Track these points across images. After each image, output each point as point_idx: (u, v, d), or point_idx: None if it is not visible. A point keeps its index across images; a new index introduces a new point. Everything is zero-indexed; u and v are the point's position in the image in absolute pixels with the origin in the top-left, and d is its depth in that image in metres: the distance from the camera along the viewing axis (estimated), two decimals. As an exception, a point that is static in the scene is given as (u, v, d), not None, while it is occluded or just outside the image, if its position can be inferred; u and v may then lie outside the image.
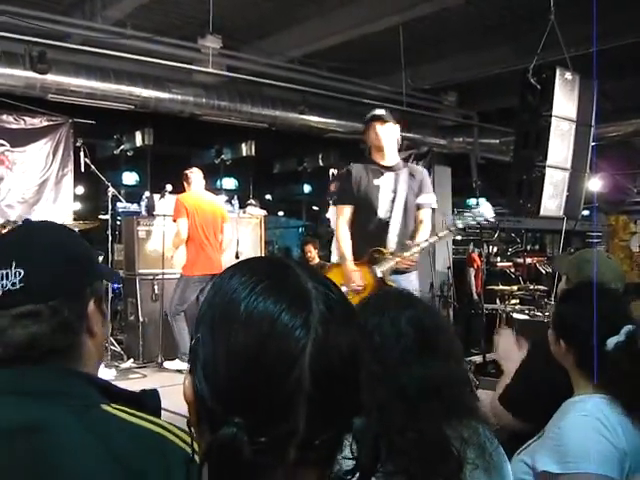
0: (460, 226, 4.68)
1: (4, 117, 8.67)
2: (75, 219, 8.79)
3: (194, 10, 7.62)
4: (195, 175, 7.10)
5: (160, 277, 7.42)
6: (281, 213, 19.57)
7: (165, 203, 7.54)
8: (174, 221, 6.89)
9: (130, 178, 13.18)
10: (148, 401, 1.21)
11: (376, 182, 4.69)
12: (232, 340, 0.79)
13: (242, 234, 7.94)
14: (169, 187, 7.45)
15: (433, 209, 4.89)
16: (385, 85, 9.37)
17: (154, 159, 11.99)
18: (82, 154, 7.03)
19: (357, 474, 0.81)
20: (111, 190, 7.17)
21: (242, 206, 8.45)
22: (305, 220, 18.36)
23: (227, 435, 0.75)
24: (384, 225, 4.63)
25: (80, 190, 10.91)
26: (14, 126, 8.76)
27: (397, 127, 4.79)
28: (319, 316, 0.80)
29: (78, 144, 8.21)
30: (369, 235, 4.65)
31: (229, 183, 13.48)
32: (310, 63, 8.80)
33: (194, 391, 0.82)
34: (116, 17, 7.52)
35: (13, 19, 6.81)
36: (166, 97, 8.10)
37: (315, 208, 17.36)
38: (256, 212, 8.40)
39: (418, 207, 4.73)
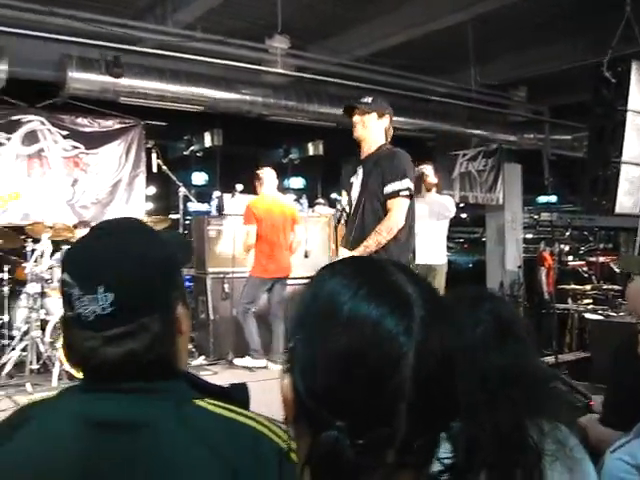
0: None
1: (79, 120, 8.92)
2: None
3: (262, 12, 7.69)
4: (267, 175, 7.16)
5: (230, 276, 7.53)
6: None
7: (235, 203, 7.63)
8: (244, 225, 6.98)
9: (199, 178, 13.38)
10: (238, 395, 1.22)
11: (352, 179, 4.60)
12: (334, 343, 0.80)
13: (311, 233, 7.97)
14: (239, 187, 7.53)
15: (407, 195, 4.33)
16: (453, 82, 9.28)
17: (223, 159, 12.16)
18: (154, 155, 7.17)
19: (451, 473, 0.81)
20: (182, 190, 7.29)
21: (310, 205, 8.48)
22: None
23: (329, 438, 0.76)
24: (352, 223, 4.48)
25: (151, 190, 11.12)
26: (88, 129, 9.00)
27: (381, 117, 4.48)
28: (420, 321, 0.80)
29: (149, 145, 8.38)
30: (346, 237, 4.55)
31: (297, 182, 13.56)
32: (376, 61, 8.78)
33: (293, 390, 0.84)
34: (186, 21, 7.66)
35: (89, 26, 7.00)
36: (235, 98, 8.22)
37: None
38: (325, 211, 8.41)
39: (385, 197, 4.35)
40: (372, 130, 4.46)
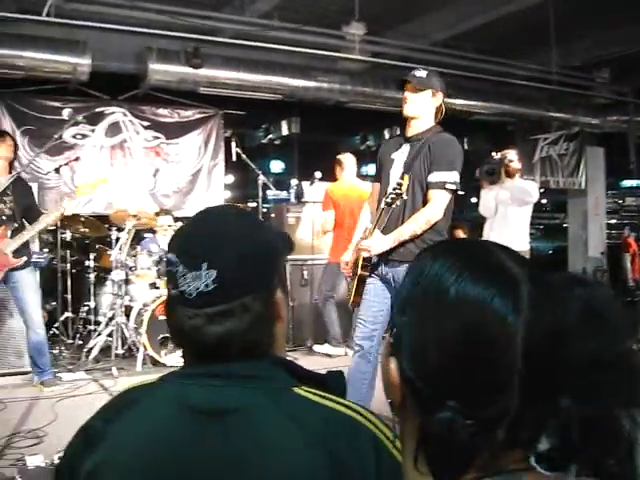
0: None
1: (159, 111, 9.11)
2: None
3: (336, -1, 7.68)
4: (348, 160, 7.17)
5: (309, 263, 7.60)
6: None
7: (314, 190, 7.67)
8: (323, 211, 7.01)
9: (277, 166, 13.48)
10: (334, 383, 1.23)
11: (393, 155, 4.21)
12: (443, 325, 0.81)
13: (388, 220, 7.95)
14: (318, 174, 7.57)
15: (453, 190, 4.02)
16: (533, 64, 9.06)
17: (301, 147, 12.20)
18: (233, 144, 7.24)
19: (557, 455, 0.80)
20: (261, 178, 7.35)
21: (388, 192, 8.45)
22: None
23: (444, 419, 0.77)
24: (388, 204, 4.09)
25: (229, 179, 11.26)
26: (168, 119, 9.18)
27: (435, 95, 4.11)
28: (527, 300, 0.80)
29: (227, 134, 8.48)
30: (376, 215, 4.19)
31: (374, 169, 13.53)
32: (454, 45, 8.66)
33: (400, 374, 0.84)
34: (263, 9, 7.71)
35: (169, 18, 7.12)
36: (312, 86, 8.23)
37: (460, 193, 17.08)
38: (403, 197, 8.38)
39: (427, 186, 4.03)
40: (424, 109, 4.10)
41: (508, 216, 6.51)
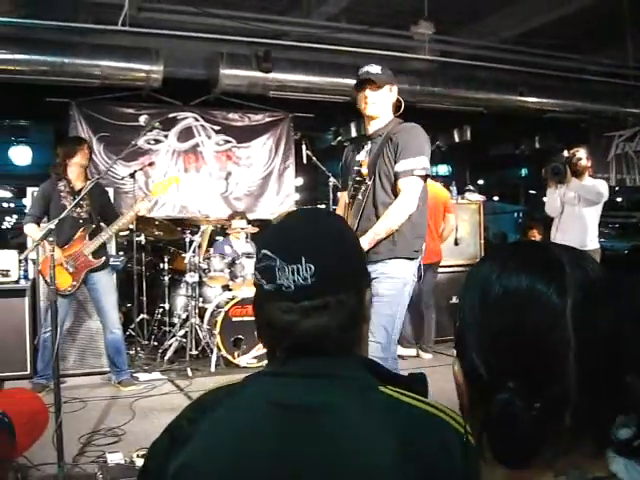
0: None
1: (230, 115, 9.24)
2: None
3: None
4: None
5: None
6: (496, 198, 19.13)
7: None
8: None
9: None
10: (417, 384, 1.23)
11: (358, 157, 3.97)
12: (493, 318, 0.83)
13: (461, 220, 7.87)
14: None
15: (423, 175, 3.84)
16: (606, 59, 8.84)
17: (369, 149, 12.19)
18: (304, 147, 7.28)
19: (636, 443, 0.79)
20: (332, 180, 7.37)
21: (460, 192, 8.37)
22: (523, 204, 17.83)
23: (502, 400, 0.78)
24: (357, 206, 3.86)
25: (299, 181, 11.33)
26: (239, 123, 9.31)
27: (391, 90, 3.96)
28: (574, 281, 0.81)
29: (297, 137, 8.54)
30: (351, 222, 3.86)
31: (444, 169, 13.43)
32: (524, 42, 8.51)
33: (464, 374, 0.85)
34: (331, 12, 7.73)
35: (239, 23, 7.22)
36: (381, 87, 8.19)
37: (532, 192, 16.81)
38: (474, 198, 8.29)
39: (396, 177, 3.82)
40: (384, 106, 3.95)
41: (575, 216, 6.37)
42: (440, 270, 7.35)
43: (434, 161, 12.33)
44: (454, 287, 7.66)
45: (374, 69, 3.89)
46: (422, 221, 4.03)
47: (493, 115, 9.26)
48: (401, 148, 3.80)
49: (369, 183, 3.77)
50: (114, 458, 4.03)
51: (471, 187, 8.72)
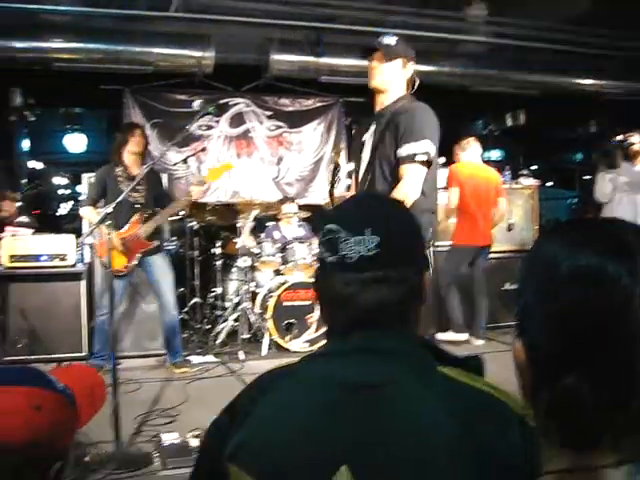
0: None
1: (281, 101, 9.26)
2: (347, 195, 9.14)
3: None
4: (472, 143, 7.04)
5: (431, 249, 7.50)
6: (549, 184, 18.80)
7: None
8: (446, 189, 6.91)
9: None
10: (473, 365, 1.23)
11: (364, 137, 3.76)
12: (561, 294, 0.80)
13: (514, 205, 7.77)
14: (442, 160, 7.46)
15: (425, 162, 3.53)
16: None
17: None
18: (354, 132, 7.26)
19: None
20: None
21: (514, 177, 8.26)
22: (578, 190, 17.50)
23: (568, 384, 0.77)
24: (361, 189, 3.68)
25: (350, 166, 11.30)
26: (290, 108, 9.32)
27: (406, 65, 3.70)
28: None
29: (347, 122, 8.52)
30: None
31: (497, 154, 13.25)
32: (580, 22, 8.30)
33: (526, 354, 0.84)
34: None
35: (289, 8, 7.21)
36: (433, 70, 8.12)
37: (587, 177, 16.48)
38: (529, 182, 8.16)
39: (397, 162, 3.56)
40: (393, 81, 3.67)
41: (626, 202, 6.23)
42: (492, 256, 7.26)
43: (486, 146, 12.20)
44: (507, 273, 7.56)
45: (388, 40, 3.66)
46: (429, 208, 3.70)
47: (548, 98, 9.09)
48: (403, 131, 3.55)
49: (369, 170, 3.59)
50: (169, 438, 4.10)
51: (525, 171, 8.57)
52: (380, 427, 1.09)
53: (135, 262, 5.76)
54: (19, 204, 5.09)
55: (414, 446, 1.07)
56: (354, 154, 3.82)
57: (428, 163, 3.57)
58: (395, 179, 3.55)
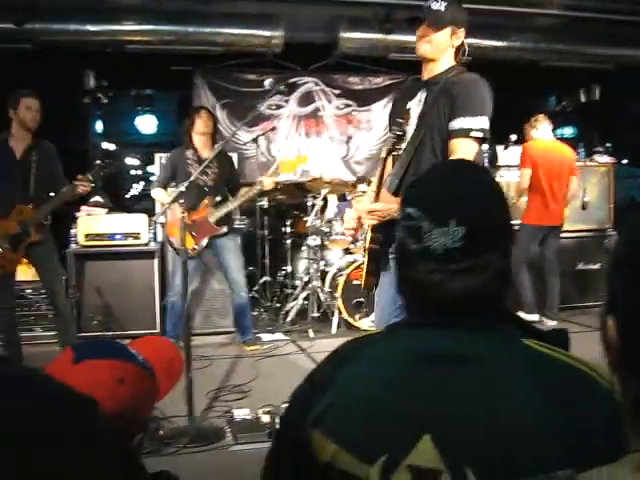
0: None
1: (350, 79, 9.22)
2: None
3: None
4: (541, 122, 6.89)
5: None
6: (625, 161, 18.26)
7: (509, 154, 7.44)
8: (519, 169, 6.79)
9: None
10: (558, 339, 1.21)
11: (409, 104, 3.47)
12: None
13: (589, 184, 7.57)
14: (513, 137, 7.34)
15: (480, 138, 3.28)
16: None
17: (492, 109, 11.87)
18: (395, 97, 7.18)
19: None
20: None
21: (588, 154, 8.04)
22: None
23: None
24: (401, 163, 3.37)
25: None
26: (359, 87, 9.27)
27: (456, 33, 3.35)
28: None
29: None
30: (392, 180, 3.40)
31: (570, 131, 12.93)
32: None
33: (618, 332, 0.82)
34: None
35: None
36: (504, 45, 7.95)
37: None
38: (604, 160, 7.93)
39: (449, 135, 3.29)
40: (442, 49, 3.39)
41: None
42: (566, 235, 7.12)
43: (558, 123, 11.92)
44: (581, 253, 7.41)
45: (437, 5, 3.31)
46: None
47: (624, 73, 8.81)
48: (460, 102, 3.28)
49: (416, 139, 3.31)
50: (241, 413, 4.17)
51: (600, 148, 8.34)
52: (465, 401, 1.09)
53: (203, 244, 5.84)
54: (92, 185, 5.20)
55: (500, 421, 1.06)
56: (395, 121, 3.47)
57: (482, 140, 3.34)
58: (444, 152, 3.33)
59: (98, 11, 7.03)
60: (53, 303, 5.40)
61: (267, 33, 7.43)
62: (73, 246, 6.46)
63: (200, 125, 5.85)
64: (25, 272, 5.98)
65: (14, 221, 5.03)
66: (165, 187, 5.92)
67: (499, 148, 7.58)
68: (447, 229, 1.14)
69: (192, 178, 4.41)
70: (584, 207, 7.48)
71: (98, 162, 5.39)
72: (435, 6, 3.28)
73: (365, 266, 3.42)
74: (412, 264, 1.20)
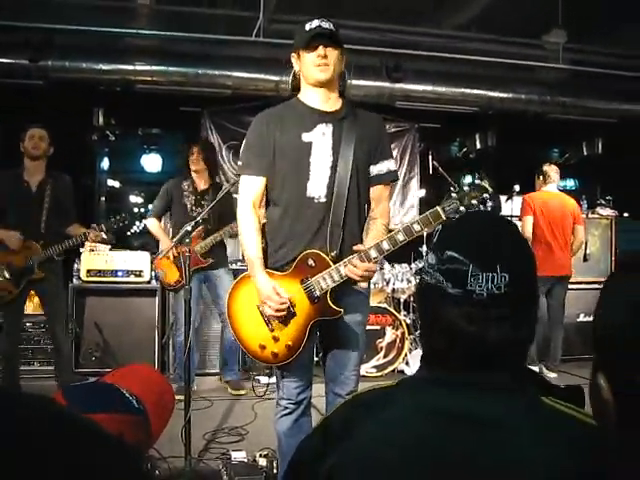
0: (450, 214, 2.90)
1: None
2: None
3: (536, 7, 7.45)
4: (551, 170, 6.95)
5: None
6: (626, 214, 18.29)
7: (512, 204, 7.48)
8: (519, 220, 6.82)
9: (470, 179, 13.26)
10: (574, 396, 1.20)
11: (306, 137, 2.99)
12: None
13: (591, 235, 7.61)
14: (517, 187, 7.39)
15: (394, 181, 3.16)
16: None
17: (496, 160, 11.94)
18: (430, 157, 7.25)
19: None
20: (456, 192, 7.29)
21: (590, 206, 8.09)
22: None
23: None
24: (319, 209, 2.97)
25: (421, 193, 11.27)
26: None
27: (343, 55, 3.06)
28: None
29: (421, 148, 8.48)
30: (295, 226, 3.00)
31: (572, 183, 13.02)
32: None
33: (613, 389, 0.82)
34: (461, 22, 7.65)
35: (367, 34, 7.26)
36: (510, 97, 8.05)
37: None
38: (606, 212, 7.98)
39: (374, 180, 3.05)
40: (336, 73, 3.05)
41: None
42: (568, 286, 7.12)
43: (562, 174, 11.98)
44: (583, 304, 7.41)
45: (327, 24, 2.95)
46: None
47: (626, 127, 8.90)
48: (380, 143, 3.07)
49: (346, 181, 2.96)
50: (238, 456, 4.13)
51: (602, 201, 8.40)
52: (482, 464, 1.06)
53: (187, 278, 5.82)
54: (104, 236, 5.29)
55: None
56: (285, 158, 3.03)
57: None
58: (366, 197, 3.10)
59: (110, 50, 7.13)
60: (52, 339, 5.41)
61: (276, 77, 7.51)
62: (75, 281, 6.47)
63: (191, 164, 5.94)
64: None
65: (22, 255, 5.07)
66: (160, 217, 5.97)
67: (502, 198, 7.62)
68: (494, 274, 1.13)
69: (199, 219, 4.43)
70: (586, 259, 7.51)
71: (117, 217, 5.43)
72: (327, 25, 2.96)
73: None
74: (447, 308, 1.16)
